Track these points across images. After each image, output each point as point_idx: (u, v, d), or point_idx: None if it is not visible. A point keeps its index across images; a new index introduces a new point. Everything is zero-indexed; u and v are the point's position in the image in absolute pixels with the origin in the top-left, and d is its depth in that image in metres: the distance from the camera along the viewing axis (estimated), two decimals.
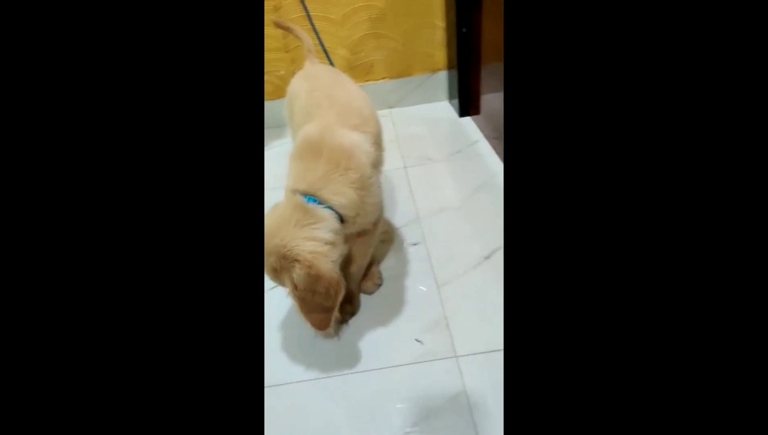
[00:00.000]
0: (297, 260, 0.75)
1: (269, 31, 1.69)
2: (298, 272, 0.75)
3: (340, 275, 0.77)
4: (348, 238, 0.86)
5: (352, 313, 0.94)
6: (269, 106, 1.81)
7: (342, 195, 0.80)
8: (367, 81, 1.80)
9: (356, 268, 0.95)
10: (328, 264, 0.76)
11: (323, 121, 0.88)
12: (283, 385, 0.83)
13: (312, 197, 0.79)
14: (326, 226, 0.78)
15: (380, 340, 0.89)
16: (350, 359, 0.86)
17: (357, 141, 0.85)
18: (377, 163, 0.90)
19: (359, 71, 1.78)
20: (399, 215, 1.22)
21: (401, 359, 0.85)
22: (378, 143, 0.93)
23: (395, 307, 0.96)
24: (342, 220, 0.82)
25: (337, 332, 0.92)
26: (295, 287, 0.76)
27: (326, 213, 0.79)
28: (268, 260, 0.78)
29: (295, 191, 0.80)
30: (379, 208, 0.87)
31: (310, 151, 0.82)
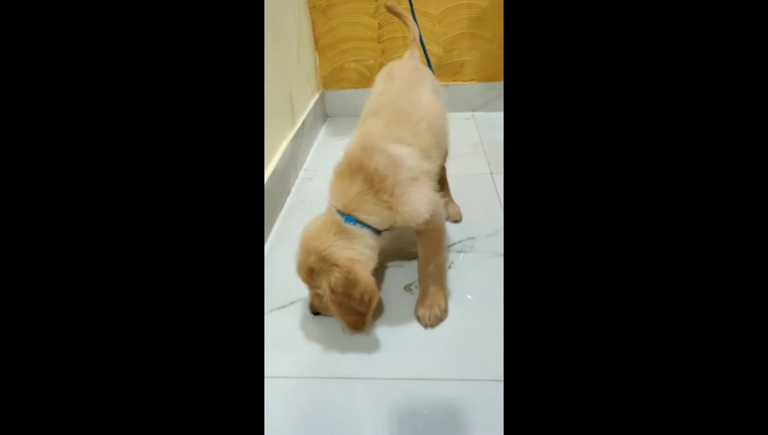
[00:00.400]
0: (336, 265, 0.79)
1: (363, 19, 1.68)
2: (336, 276, 0.78)
3: (374, 282, 0.80)
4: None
5: (440, 319, 0.90)
6: (353, 94, 1.80)
7: (375, 214, 0.83)
8: (454, 81, 1.76)
9: (434, 267, 0.91)
10: (365, 271, 0.80)
11: (366, 134, 0.89)
12: (365, 379, 0.81)
13: (348, 217, 0.83)
14: (363, 242, 0.83)
15: (467, 350, 0.85)
16: (433, 365, 0.82)
17: (395, 158, 0.85)
18: (425, 175, 0.89)
19: (448, 70, 1.74)
20: (486, 223, 1.18)
21: (492, 373, 0.80)
22: (429, 157, 0.91)
23: (483, 317, 0.91)
24: (378, 232, 0.85)
25: (369, 331, 0.90)
26: (332, 291, 0.79)
27: (362, 231, 0.83)
28: (307, 259, 0.82)
29: (333, 208, 0.85)
30: (418, 215, 0.84)
31: (348, 170, 0.85)
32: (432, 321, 0.90)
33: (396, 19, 1.66)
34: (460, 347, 0.85)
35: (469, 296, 0.96)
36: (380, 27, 1.68)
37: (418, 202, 0.84)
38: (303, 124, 1.52)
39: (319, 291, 0.83)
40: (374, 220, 0.84)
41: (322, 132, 1.76)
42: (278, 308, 0.96)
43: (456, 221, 1.19)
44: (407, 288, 0.97)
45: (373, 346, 0.87)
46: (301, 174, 1.45)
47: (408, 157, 0.86)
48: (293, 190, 1.37)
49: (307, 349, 0.87)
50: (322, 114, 1.82)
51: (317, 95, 1.76)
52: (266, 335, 0.90)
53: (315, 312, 0.92)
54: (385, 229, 0.86)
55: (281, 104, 1.36)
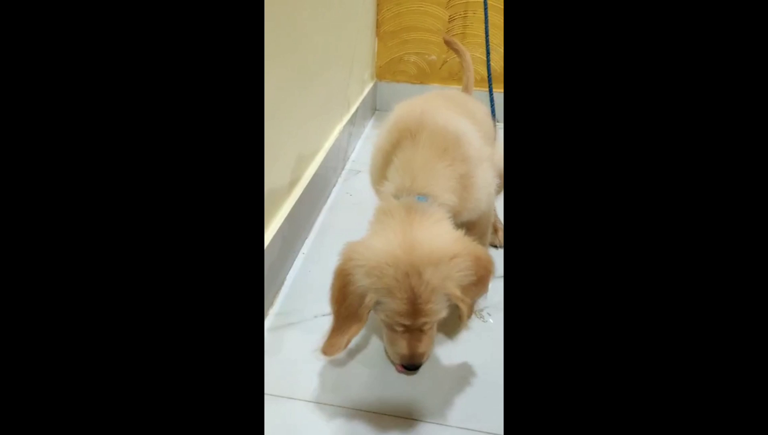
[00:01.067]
0: (474, 254, 0.59)
1: (434, 9, 1.56)
2: (466, 264, 0.57)
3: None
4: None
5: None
6: (407, 89, 1.67)
7: (451, 191, 0.63)
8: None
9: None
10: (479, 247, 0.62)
11: (421, 102, 0.72)
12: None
13: (421, 196, 0.62)
14: (450, 224, 0.62)
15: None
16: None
17: (462, 130, 0.67)
18: (486, 160, 0.74)
19: (501, 80, 1.60)
20: None
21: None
22: (489, 144, 0.77)
23: None
24: None
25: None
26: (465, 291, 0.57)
27: (443, 212, 0.63)
28: (422, 277, 0.55)
29: (398, 194, 0.63)
30: (477, 207, 0.69)
31: (407, 134, 0.64)
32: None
33: (470, 14, 1.54)
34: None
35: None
36: (451, 20, 1.55)
37: (481, 191, 0.68)
38: (356, 112, 1.40)
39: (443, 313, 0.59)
40: (452, 200, 0.63)
41: (370, 125, 1.63)
42: (323, 315, 0.81)
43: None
44: (478, 314, 0.82)
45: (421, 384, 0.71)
46: (349, 165, 1.32)
47: (474, 134, 0.69)
48: (340, 181, 1.24)
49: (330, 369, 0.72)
50: (372, 106, 1.69)
51: (371, 84, 1.63)
52: (294, 349, 0.76)
53: (416, 366, 0.62)
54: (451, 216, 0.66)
55: (337, 89, 1.24)
